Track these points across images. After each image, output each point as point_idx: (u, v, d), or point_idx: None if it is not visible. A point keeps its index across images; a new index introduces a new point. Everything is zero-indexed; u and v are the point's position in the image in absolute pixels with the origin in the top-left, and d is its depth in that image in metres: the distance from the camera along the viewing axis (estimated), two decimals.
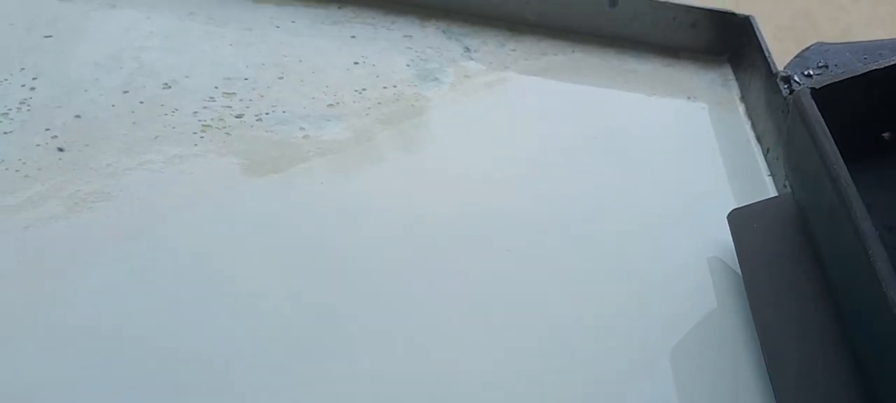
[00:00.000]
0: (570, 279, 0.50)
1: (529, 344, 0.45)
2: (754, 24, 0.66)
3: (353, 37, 0.64)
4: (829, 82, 0.49)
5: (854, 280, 0.41)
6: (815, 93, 0.47)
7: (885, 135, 0.51)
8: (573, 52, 0.68)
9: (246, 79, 0.58)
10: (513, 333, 0.46)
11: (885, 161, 0.51)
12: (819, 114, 0.46)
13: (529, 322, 0.46)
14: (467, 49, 0.66)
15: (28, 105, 0.52)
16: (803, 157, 0.47)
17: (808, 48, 0.63)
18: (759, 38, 0.64)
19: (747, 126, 0.63)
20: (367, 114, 0.57)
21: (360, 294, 0.45)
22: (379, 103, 0.59)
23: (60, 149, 0.50)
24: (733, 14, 0.68)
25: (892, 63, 0.49)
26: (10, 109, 0.52)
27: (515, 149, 0.58)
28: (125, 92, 0.55)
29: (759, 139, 0.62)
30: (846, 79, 0.48)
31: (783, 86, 0.59)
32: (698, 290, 0.51)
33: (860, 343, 0.41)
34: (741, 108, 0.65)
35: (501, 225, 0.51)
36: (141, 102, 0.54)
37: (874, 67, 0.49)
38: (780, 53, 0.64)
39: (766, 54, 0.62)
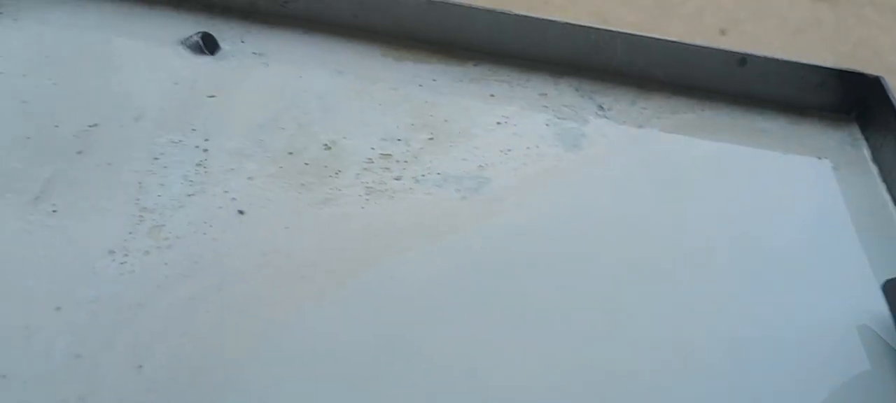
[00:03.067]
0: (700, 344, 0.51)
1: None
2: (885, 85, 0.67)
3: (491, 95, 0.66)
4: None
5: None
6: None
7: None
8: (703, 110, 0.69)
9: (399, 140, 0.60)
10: (656, 395, 0.47)
11: None
12: None
13: (671, 384, 0.48)
14: (601, 107, 0.67)
15: (205, 167, 0.55)
16: None
17: None
18: (892, 99, 0.65)
19: (883, 189, 0.64)
20: (515, 174, 0.59)
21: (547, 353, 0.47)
22: (525, 164, 0.60)
23: (241, 212, 0.53)
24: (862, 74, 0.69)
25: None
26: (189, 171, 0.55)
27: (657, 207, 0.59)
28: (290, 153, 0.58)
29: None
30: None
31: None
32: (849, 358, 0.52)
33: None
34: (874, 170, 0.66)
35: (648, 281, 0.53)
36: (306, 164, 0.57)
37: None
38: None
39: None
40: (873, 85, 0.68)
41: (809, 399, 0.49)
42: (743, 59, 0.69)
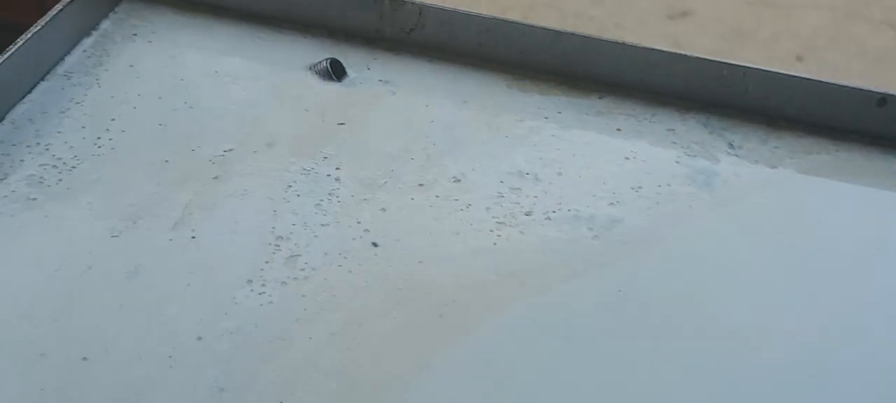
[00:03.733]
0: (850, 386, 0.48)
1: None
2: None
3: (618, 129, 0.65)
4: None
5: None
6: None
7: None
8: (837, 151, 0.67)
9: (527, 174, 0.59)
10: None
11: None
12: None
13: None
14: (731, 145, 0.65)
15: (337, 196, 0.55)
16: None
17: None
18: None
19: None
20: (648, 213, 0.58)
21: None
22: (657, 202, 0.59)
23: (374, 244, 0.52)
24: None
25: None
26: (322, 200, 0.55)
27: (794, 256, 0.57)
28: (420, 185, 0.57)
29: None
30: None
31: None
32: None
33: None
34: None
35: (784, 333, 0.50)
36: (437, 196, 0.56)
37: None
38: None
39: None
40: None
41: None
42: (883, 100, 0.66)
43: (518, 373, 0.46)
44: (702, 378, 0.48)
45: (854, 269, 0.57)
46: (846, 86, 0.67)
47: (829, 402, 0.48)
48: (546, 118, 0.65)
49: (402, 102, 0.64)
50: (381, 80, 0.66)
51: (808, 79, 0.67)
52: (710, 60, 0.67)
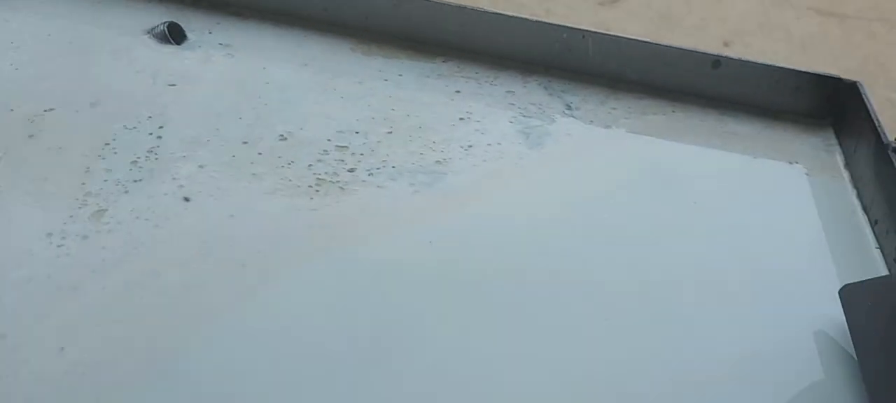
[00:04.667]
0: (665, 346, 0.50)
1: None
2: (863, 91, 0.65)
3: (457, 92, 0.66)
4: None
5: None
6: None
7: None
8: (673, 111, 0.68)
9: (357, 132, 0.60)
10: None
11: None
12: None
13: (636, 393, 0.47)
14: (569, 106, 0.66)
15: (155, 154, 0.55)
16: None
17: None
18: (869, 106, 0.64)
19: (853, 195, 0.63)
20: (474, 171, 0.59)
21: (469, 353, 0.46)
22: (484, 160, 0.60)
23: (186, 199, 0.52)
24: (840, 79, 0.68)
25: None
26: (139, 157, 0.54)
27: (615, 212, 0.58)
28: (244, 142, 0.57)
29: (866, 209, 0.61)
30: None
31: (895, 158, 0.58)
32: (806, 364, 0.51)
33: None
34: (846, 176, 0.65)
35: (602, 290, 0.52)
36: (259, 154, 0.57)
37: None
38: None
39: (876, 123, 0.62)
40: (850, 90, 0.67)
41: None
42: (716, 61, 0.68)
43: (309, 322, 0.47)
44: (501, 323, 0.49)
45: (671, 224, 0.58)
46: (681, 49, 0.68)
47: (642, 353, 0.49)
48: (386, 80, 0.66)
49: (240, 65, 0.64)
50: (221, 44, 0.66)
51: (646, 42, 0.68)
52: (551, 24, 0.68)
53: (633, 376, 0.47)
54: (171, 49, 0.64)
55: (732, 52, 0.68)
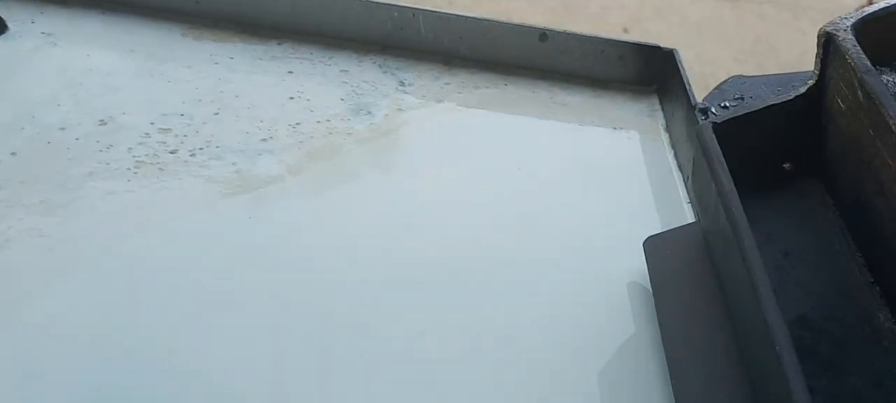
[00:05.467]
0: (491, 302, 0.52)
1: (454, 373, 0.47)
2: (678, 58, 0.69)
3: (290, 72, 0.67)
4: (729, 117, 0.51)
5: (743, 303, 0.43)
6: (717, 127, 0.50)
7: (786, 165, 0.54)
8: (505, 85, 0.71)
9: (182, 115, 0.60)
10: (434, 364, 0.47)
11: (786, 190, 0.53)
12: (718, 147, 0.48)
13: (452, 348, 0.48)
14: (402, 83, 0.68)
15: None
16: (704, 189, 0.49)
17: (726, 81, 0.66)
18: (682, 71, 0.67)
19: (670, 155, 0.66)
20: (299, 148, 0.59)
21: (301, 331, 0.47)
22: (311, 137, 0.61)
23: None
24: (658, 47, 0.71)
25: (788, 98, 0.52)
26: None
27: (441, 179, 0.60)
28: (61, 129, 0.57)
29: (680, 168, 0.65)
30: (745, 114, 0.51)
31: (701, 118, 0.62)
32: (618, 315, 0.54)
33: (751, 364, 0.44)
34: (665, 138, 0.68)
35: (422, 252, 0.53)
36: (76, 139, 0.56)
37: (771, 102, 0.52)
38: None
39: (687, 86, 0.65)
40: (667, 58, 0.70)
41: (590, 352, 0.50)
42: (543, 35, 0.71)
43: (120, 302, 0.47)
44: (319, 294, 0.50)
45: (498, 188, 0.60)
46: (509, 24, 0.71)
47: (467, 317, 0.51)
48: (216, 63, 0.66)
49: (62, 53, 0.63)
50: (43, 33, 0.65)
51: (475, 19, 0.70)
52: (381, 3, 0.69)
53: (447, 339, 0.49)
54: None
55: (559, 26, 0.71)
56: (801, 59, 2.56)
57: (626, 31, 2.58)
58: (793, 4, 2.77)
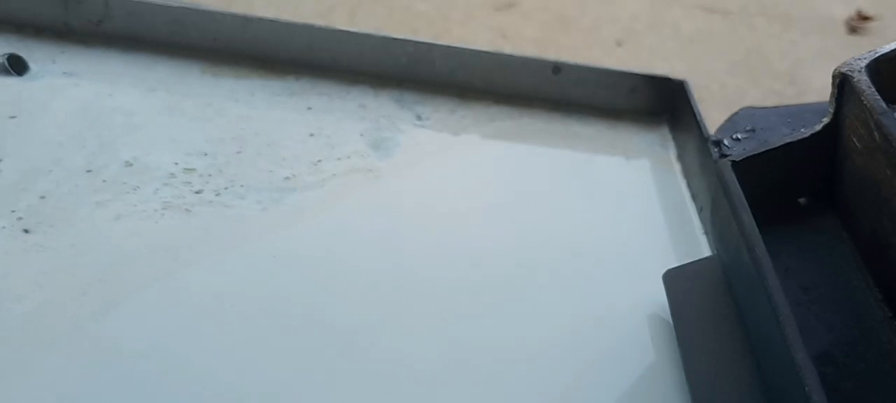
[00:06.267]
0: (511, 335, 0.53)
1: None
2: (688, 89, 0.70)
3: (309, 108, 0.68)
4: (748, 155, 0.52)
5: (769, 340, 0.44)
6: (736, 165, 0.51)
7: (802, 200, 0.55)
8: (520, 117, 0.72)
9: (205, 154, 0.61)
10: (457, 398, 0.48)
11: (803, 225, 0.55)
12: (738, 186, 0.50)
13: (473, 384, 0.49)
14: (419, 116, 0.69)
15: None
16: (725, 226, 0.51)
17: (737, 112, 0.67)
18: (692, 102, 0.68)
19: (683, 185, 0.67)
20: (322, 186, 0.60)
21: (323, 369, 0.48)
22: (334, 175, 0.62)
23: (26, 231, 0.52)
24: (669, 79, 0.72)
25: (804, 136, 0.53)
26: None
27: (458, 211, 0.61)
28: (88, 171, 0.57)
29: (694, 198, 0.66)
30: (763, 152, 0.52)
31: (713, 150, 0.63)
32: (638, 347, 0.55)
33: (774, 398, 0.45)
34: (678, 168, 0.69)
35: (442, 285, 0.54)
36: (104, 181, 0.57)
37: (789, 140, 0.53)
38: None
39: (698, 118, 0.66)
40: (678, 89, 0.71)
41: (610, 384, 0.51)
42: (556, 68, 0.72)
43: (153, 345, 0.47)
44: (344, 331, 0.51)
45: (518, 219, 0.61)
46: (523, 57, 0.72)
47: (490, 347, 0.52)
48: (236, 101, 0.67)
49: (85, 93, 0.64)
50: (65, 73, 0.66)
51: (489, 53, 0.71)
52: (398, 38, 0.71)
53: (467, 373, 0.50)
54: (12, 81, 0.64)
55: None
56: (793, 69, 2.58)
57: (619, 44, 2.60)
58: (783, 16, 2.80)
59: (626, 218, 0.64)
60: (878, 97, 0.48)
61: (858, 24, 2.44)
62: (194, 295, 0.51)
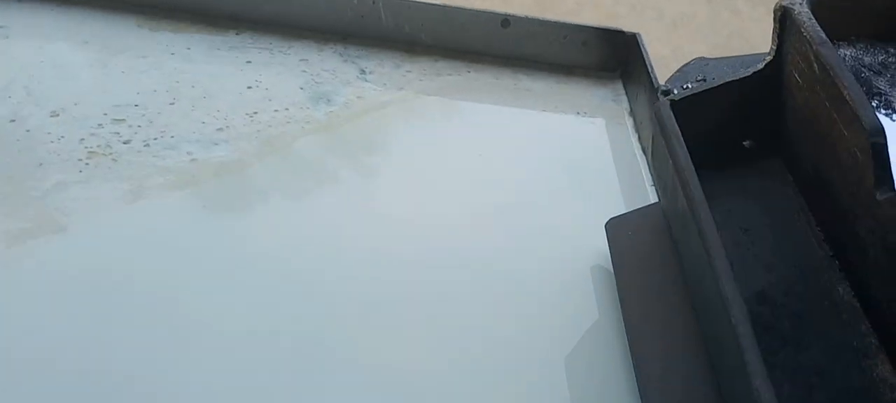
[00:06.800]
0: (457, 290, 0.51)
1: (425, 363, 0.46)
2: (640, 41, 0.68)
3: (248, 62, 0.66)
4: (687, 94, 0.51)
5: (701, 278, 0.43)
6: (675, 104, 0.50)
7: (746, 143, 0.54)
8: (468, 72, 0.70)
9: (136, 105, 0.59)
10: (397, 350, 0.47)
11: (746, 169, 0.53)
12: (676, 125, 0.48)
13: (415, 336, 0.48)
14: (363, 71, 0.67)
15: None
16: (663, 166, 0.49)
17: (688, 63, 0.66)
18: (644, 54, 0.67)
19: (634, 138, 0.66)
20: (256, 137, 0.59)
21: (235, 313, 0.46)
22: (269, 126, 0.60)
23: None
24: (621, 31, 0.71)
25: (746, 74, 0.51)
26: None
27: (401, 167, 0.59)
28: (12, 120, 0.55)
29: (644, 151, 0.64)
30: (704, 91, 0.51)
31: (662, 99, 0.61)
32: (582, 298, 0.53)
33: (709, 340, 0.43)
34: (629, 122, 0.68)
35: (381, 240, 0.53)
36: (27, 131, 0.55)
37: (730, 79, 0.51)
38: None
39: (650, 69, 0.65)
40: (630, 42, 0.70)
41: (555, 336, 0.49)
42: (505, 21, 0.70)
43: (65, 288, 0.46)
44: (271, 279, 0.49)
45: (461, 175, 0.60)
46: (471, 10, 0.70)
47: (433, 295, 0.50)
48: (173, 54, 0.65)
49: (15, 46, 0.62)
50: None
51: (436, 5, 0.70)
52: None
53: (409, 326, 0.48)
54: None
55: (519, 11, 0.70)
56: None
57: None
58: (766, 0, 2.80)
59: (577, 173, 0.63)
60: (819, 28, 0.47)
61: None
62: (116, 242, 0.49)
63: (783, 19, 0.49)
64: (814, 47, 0.46)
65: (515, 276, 0.53)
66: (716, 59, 0.66)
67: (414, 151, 0.61)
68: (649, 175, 0.63)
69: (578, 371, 0.48)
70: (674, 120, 0.48)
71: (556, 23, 0.70)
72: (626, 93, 0.70)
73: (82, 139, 0.55)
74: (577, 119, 0.68)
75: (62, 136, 0.55)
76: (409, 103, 0.65)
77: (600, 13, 2.65)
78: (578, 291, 0.54)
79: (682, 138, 0.47)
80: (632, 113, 0.68)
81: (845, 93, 0.42)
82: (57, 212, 0.50)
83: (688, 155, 0.46)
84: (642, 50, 0.67)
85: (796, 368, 0.42)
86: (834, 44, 0.47)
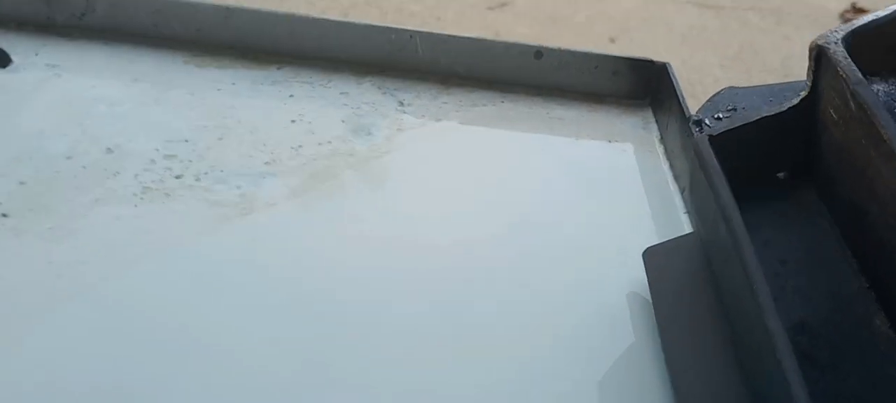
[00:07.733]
0: (494, 315, 0.52)
1: (453, 385, 0.48)
2: (670, 71, 0.70)
3: (291, 96, 0.68)
4: (724, 129, 0.53)
5: (743, 310, 0.44)
6: (713, 140, 0.51)
7: (780, 174, 0.55)
8: (502, 102, 0.72)
9: (186, 141, 0.61)
10: (433, 376, 0.48)
11: (782, 199, 0.55)
12: (715, 160, 0.50)
13: (451, 360, 0.49)
14: (401, 103, 0.69)
15: None
16: (703, 201, 0.51)
17: (718, 93, 0.67)
18: (675, 83, 0.68)
19: (665, 166, 0.67)
20: (302, 170, 0.60)
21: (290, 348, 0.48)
22: (314, 158, 0.62)
23: (4, 216, 0.52)
24: (651, 62, 0.72)
25: (782, 109, 0.53)
26: None
27: (440, 194, 0.61)
28: (68, 158, 0.58)
29: (676, 179, 0.66)
30: (739, 126, 0.53)
31: (695, 130, 0.63)
32: (618, 324, 0.55)
33: (751, 371, 0.45)
34: (660, 150, 0.69)
35: (421, 265, 0.54)
36: (83, 167, 0.57)
37: (765, 114, 0.53)
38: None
39: (681, 98, 0.66)
40: (661, 72, 0.72)
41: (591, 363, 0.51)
42: (538, 52, 0.72)
43: (130, 325, 0.48)
44: (322, 314, 0.51)
45: (499, 202, 0.61)
46: (504, 43, 0.72)
47: (469, 330, 0.52)
48: (219, 90, 0.67)
49: (68, 84, 0.64)
50: (48, 65, 0.66)
51: (471, 38, 0.72)
52: (380, 26, 0.71)
53: (446, 351, 0.50)
54: None
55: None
56: (785, 63, 2.58)
57: (612, 41, 2.61)
58: (776, 11, 2.81)
59: (609, 200, 0.64)
60: (854, 67, 0.48)
61: (853, 16, 2.44)
62: (174, 275, 0.51)
63: (819, 58, 0.51)
64: (850, 86, 0.47)
65: (550, 300, 0.55)
66: (745, 88, 0.67)
67: (451, 178, 0.63)
68: (682, 203, 0.64)
69: (613, 395, 0.50)
70: (713, 156, 0.50)
71: (586, 53, 0.72)
72: (656, 122, 0.72)
73: (136, 174, 0.57)
74: (609, 146, 0.69)
75: (117, 172, 0.57)
76: (447, 133, 0.67)
77: (612, 26, 2.67)
78: (613, 317, 0.55)
79: (722, 174, 0.48)
80: (662, 141, 0.70)
81: (883, 132, 0.44)
82: (116, 246, 0.51)
83: (729, 192, 0.47)
84: (673, 79, 0.69)
85: (836, 397, 0.44)
86: (867, 79, 0.49)
